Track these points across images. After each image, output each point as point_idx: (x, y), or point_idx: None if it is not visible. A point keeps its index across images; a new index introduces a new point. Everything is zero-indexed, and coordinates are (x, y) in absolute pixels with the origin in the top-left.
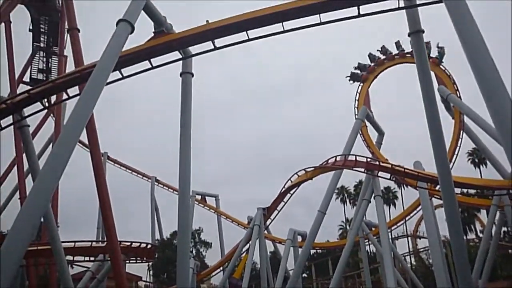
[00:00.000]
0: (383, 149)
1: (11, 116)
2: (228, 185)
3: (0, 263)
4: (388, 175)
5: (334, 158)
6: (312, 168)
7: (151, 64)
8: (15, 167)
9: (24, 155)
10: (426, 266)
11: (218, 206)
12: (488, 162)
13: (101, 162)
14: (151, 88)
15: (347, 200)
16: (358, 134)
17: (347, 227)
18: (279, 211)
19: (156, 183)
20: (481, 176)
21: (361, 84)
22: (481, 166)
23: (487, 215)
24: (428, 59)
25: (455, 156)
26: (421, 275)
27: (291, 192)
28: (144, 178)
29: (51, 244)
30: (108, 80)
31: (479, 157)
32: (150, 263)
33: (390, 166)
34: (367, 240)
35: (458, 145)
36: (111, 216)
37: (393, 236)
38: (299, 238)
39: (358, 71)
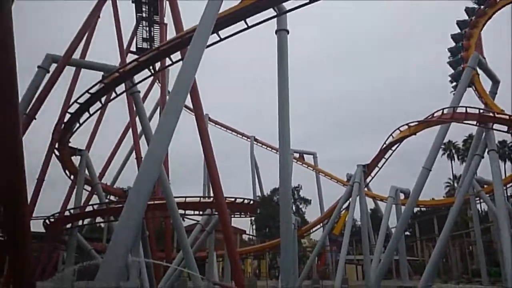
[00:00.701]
0: (498, 99)
1: (123, 84)
2: (326, 143)
3: (128, 215)
4: (504, 128)
5: (441, 111)
6: (416, 123)
7: (246, 24)
8: (130, 130)
9: (137, 118)
10: None
11: (316, 164)
12: None
13: (205, 124)
14: (248, 50)
15: (455, 156)
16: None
17: (455, 184)
18: (379, 168)
19: (255, 142)
20: None
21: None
22: None
23: None
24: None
25: None
26: None
27: (393, 148)
28: (243, 137)
29: (165, 199)
30: (208, 43)
31: None
32: (253, 218)
33: (507, 117)
34: (478, 198)
35: None
36: (217, 174)
37: (508, 194)
38: (402, 196)
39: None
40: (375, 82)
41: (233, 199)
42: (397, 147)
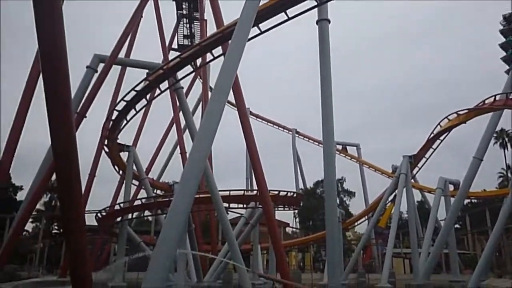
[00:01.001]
0: None
1: (166, 81)
2: (369, 134)
3: (176, 209)
4: None
5: (493, 97)
6: (466, 111)
7: (287, 15)
8: (174, 126)
9: (180, 114)
10: None
11: (359, 156)
12: None
13: (248, 119)
14: (287, 42)
15: (508, 145)
16: None
17: (508, 174)
18: (427, 159)
19: (297, 135)
20: None
21: None
22: None
23: None
24: None
25: None
26: None
27: (441, 138)
28: (284, 130)
29: (210, 193)
30: (249, 36)
31: None
32: (296, 211)
33: None
34: None
35: None
36: (260, 167)
37: None
38: (451, 187)
39: None
40: (423, 70)
41: (276, 192)
42: (446, 136)
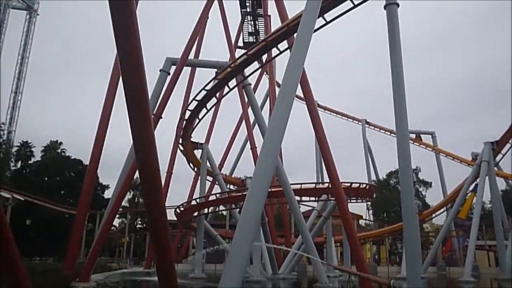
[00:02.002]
0: None
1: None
2: (445, 122)
3: (251, 202)
4: None
5: None
6: None
7: (352, 2)
8: (243, 122)
9: (249, 109)
10: None
11: (435, 144)
12: None
13: (317, 111)
14: (351, 31)
15: None
16: None
17: None
18: None
19: (367, 125)
20: None
21: None
22: None
23: None
24: None
25: None
26: None
27: None
28: (354, 121)
29: (282, 186)
30: (315, 27)
31: None
32: (369, 203)
33: None
34: None
35: None
36: (331, 159)
37: None
38: None
39: None
40: (503, 52)
41: (348, 184)
42: None
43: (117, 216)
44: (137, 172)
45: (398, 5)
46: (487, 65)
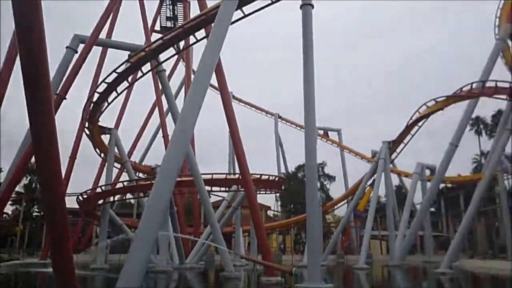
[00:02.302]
0: None
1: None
2: (350, 120)
3: (158, 191)
4: None
5: (470, 85)
6: (444, 98)
7: None
8: (156, 109)
9: (163, 97)
10: None
11: (340, 141)
12: None
13: (230, 102)
14: (271, 28)
15: (483, 132)
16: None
17: (482, 160)
18: (405, 145)
19: (279, 119)
20: None
21: None
22: None
23: None
24: None
25: None
26: None
27: (419, 124)
28: (267, 115)
29: (192, 176)
30: (232, 19)
31: None
32: (278, 194)
33: None
34: (506, 174)
35: None
36: (242, 151)
37: None
38: (427, 172)
39: None
40: (403, 57)
41: (258, 176)
42: (424, 123)
43: (11, 202)
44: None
45: (312, 6)
46: (397, 64)
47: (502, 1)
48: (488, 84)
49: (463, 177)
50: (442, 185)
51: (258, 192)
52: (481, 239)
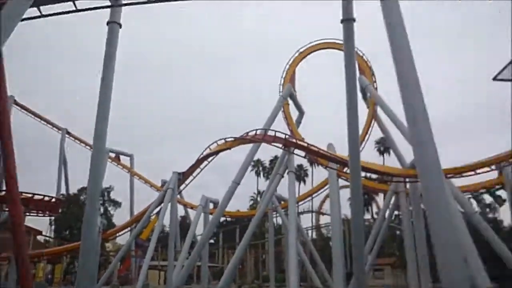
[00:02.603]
0: (301, 128)
1: None
2: (144, 147)
3: None
4: (303, 153)
5: (255, 131)
6: (232, 139)
7: (75, 5)
8: None
9: None
10: (324, 240)
11: (132, 166)
12: (391, 151)
13: (6, 107)
14: (78, 36)
15: (261, 173)
16: (280, 111)
17: (258, 198)
18: (194, 177)
19: (67, 135)
20: (383, 163)
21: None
22: (385, 155)
23: (384, 199)
24: (354, 48)
25: (364, 142)
26: (320, 248)
27: (209, 159)
28: (54, 128)
29: None
30: (25, 17)
31: (384, 146)
32: (52, 218)
33: (306, 145)
34: (275, 212)
35: (368, 132)
36: (13, 164)
37: (299, 211)
38: (211, 206)
39: None
40: (213, 94)
41: (30, 195)
42: (213, 158)
43: None
44: None
45: (120, 26)
46: (192, 105)
47: (287, 66)
48: (269, 132)
49: (241, 212)
50: (222, 219)
51: (28, 213)
52: (250, 270)
